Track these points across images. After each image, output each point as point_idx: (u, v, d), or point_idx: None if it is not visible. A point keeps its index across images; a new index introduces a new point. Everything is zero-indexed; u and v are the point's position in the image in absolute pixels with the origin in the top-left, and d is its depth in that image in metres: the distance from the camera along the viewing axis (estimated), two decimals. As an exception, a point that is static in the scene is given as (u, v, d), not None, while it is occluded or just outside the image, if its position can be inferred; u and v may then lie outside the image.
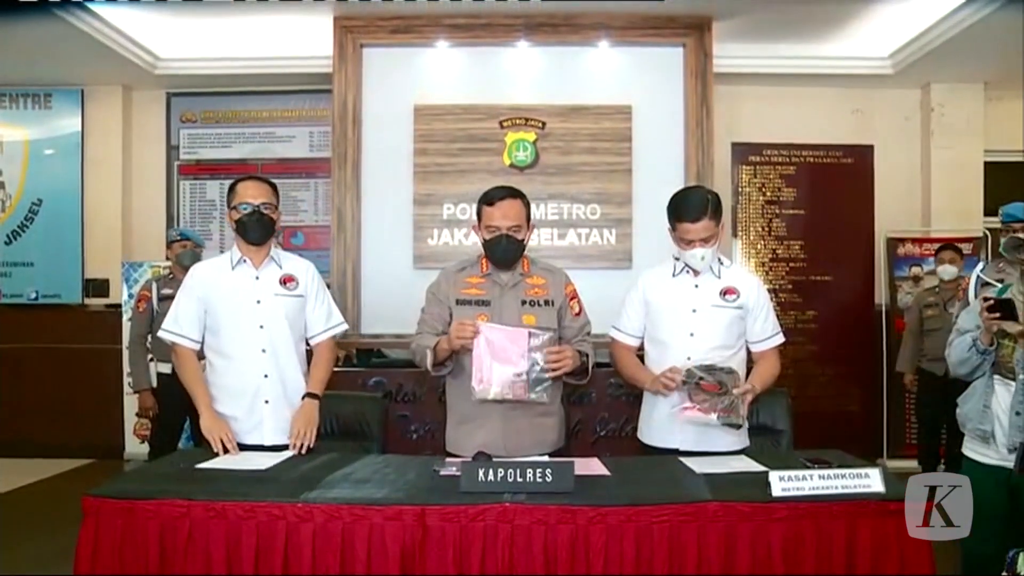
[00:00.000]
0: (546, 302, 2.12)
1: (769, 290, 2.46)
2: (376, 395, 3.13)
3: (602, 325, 2.32)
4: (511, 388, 1.93)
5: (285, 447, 2.04)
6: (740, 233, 4.64)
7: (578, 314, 2.17)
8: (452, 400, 2.17)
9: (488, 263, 2.13)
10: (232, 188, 2.15)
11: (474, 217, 2.19)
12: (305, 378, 2.17)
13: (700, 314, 2.10)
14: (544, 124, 4.03)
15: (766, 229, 4.65)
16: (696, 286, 2.13)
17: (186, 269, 3.64)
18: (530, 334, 1.94)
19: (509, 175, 3.90)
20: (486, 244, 2.09)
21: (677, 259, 2.16)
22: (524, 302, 2.10)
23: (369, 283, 4.01)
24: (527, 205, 2.11)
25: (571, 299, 2.17)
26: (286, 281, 2.16)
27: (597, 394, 3.57)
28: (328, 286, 2.42)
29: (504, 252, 2.07)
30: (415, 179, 4.01)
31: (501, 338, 1.94)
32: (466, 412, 2.09)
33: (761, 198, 4.66)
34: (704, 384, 1.95)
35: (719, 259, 2.16)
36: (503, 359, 1.92)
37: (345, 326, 2.32)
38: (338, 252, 3.99)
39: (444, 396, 2.22)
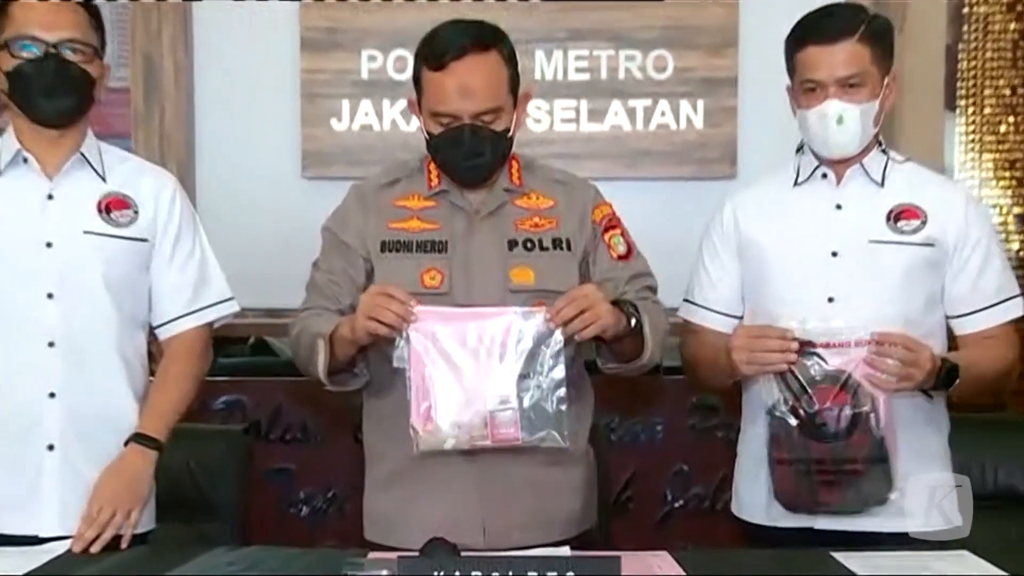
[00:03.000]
0: (556, 242, 2.20)
1: (1020, 217, 2.47)
2: (230, 428, 3.23)
3: (680, 290, 2.43)
4: (487, 427, 1.99)
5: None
6: (965, 103, 4.56)
7: (624, 256, 2.25)
8: (374, 439, 2.25)
9: (441, 173, 2.23)
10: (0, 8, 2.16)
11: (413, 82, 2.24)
12: (139, 403, 2.24)
13: (847, 259, 2.17)
14: None
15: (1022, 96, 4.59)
16: (839, 206, 2.20)
17: None
18: (517, 313, 2.00)
19: (487, -6, 3.94)
20: (434, 143, 2.19)
21: (802, 151, 2.27)
22: (513, 243, 2.19)
23: (211, 209, 3.92)
24: (511, 60, 2.18)
25: (606, 230, 2.26)
26: (112, 206, 2.21)
27: (668, 425, 3.65)
28: None
29: (467, 159, 2.15)
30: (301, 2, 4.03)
31: (458, 329, 1.99)
32: (402, 463, 2.13)
33: (1013, 26, 4.59)
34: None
35: (884, 151, 2.23)
36: (466, 372, 1.99)
37: (235, 306, 2.41)
38: (146, 142, 4.00)
39: (361, 432, 2.30)
